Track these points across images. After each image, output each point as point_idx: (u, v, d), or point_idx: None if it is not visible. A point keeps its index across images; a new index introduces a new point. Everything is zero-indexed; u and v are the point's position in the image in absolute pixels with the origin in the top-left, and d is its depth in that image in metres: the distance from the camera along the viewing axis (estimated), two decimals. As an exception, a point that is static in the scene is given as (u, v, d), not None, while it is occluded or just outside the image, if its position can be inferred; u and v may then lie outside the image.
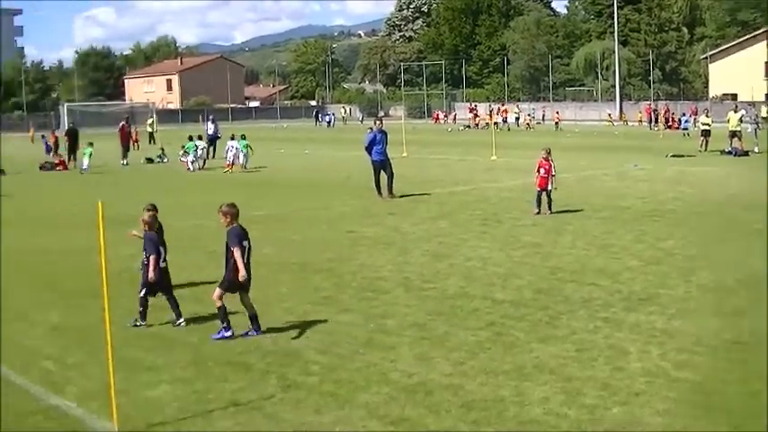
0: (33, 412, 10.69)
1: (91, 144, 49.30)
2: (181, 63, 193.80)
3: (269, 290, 16.92)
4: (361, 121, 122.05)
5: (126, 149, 55.16)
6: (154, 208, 15.74)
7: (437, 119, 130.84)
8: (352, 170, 41.95)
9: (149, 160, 54.28)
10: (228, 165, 44.38)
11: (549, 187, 25.94)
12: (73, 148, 53.00)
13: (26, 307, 16.26)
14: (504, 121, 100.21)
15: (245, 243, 13.82)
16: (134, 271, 16.50)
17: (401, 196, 31.24)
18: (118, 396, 10.10)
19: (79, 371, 12.27)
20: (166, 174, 46.11)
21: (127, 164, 53.04)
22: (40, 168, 51.47)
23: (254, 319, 14.06)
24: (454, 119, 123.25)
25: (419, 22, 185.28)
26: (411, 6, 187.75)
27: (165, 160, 54.59)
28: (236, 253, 13.54)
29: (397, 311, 15.03)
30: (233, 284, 13.74)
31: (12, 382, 11.89)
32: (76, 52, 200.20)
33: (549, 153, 26.26)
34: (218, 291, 13.73)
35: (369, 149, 32.17)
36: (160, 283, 14.70)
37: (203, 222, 25.90)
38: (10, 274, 19.45)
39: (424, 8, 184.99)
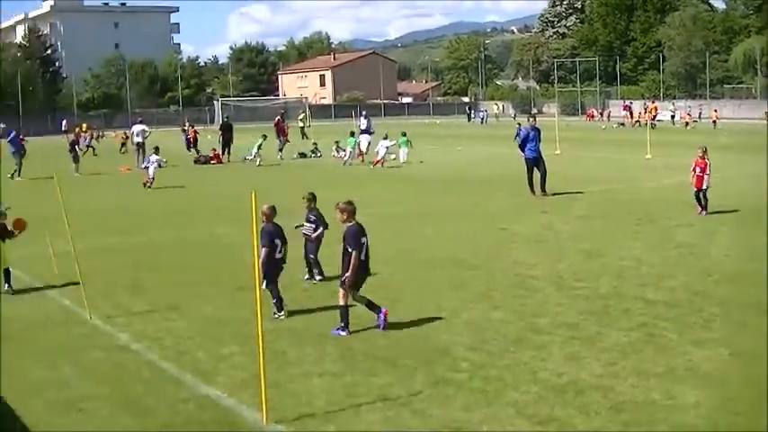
0: (185, 400, 10.98)
1: (264, 137, 50.74)
2: (334, 59, 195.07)
3: (420, 286, 17.06)
4: (514, 118, 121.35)
5: (282, 144, 55.85)
6: (313, 197, 16.11)
7: (591, 116, 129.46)
8: (505, 167, 41.90)
9: (302, 155, 54.84)
10: (378, 161, 44.45)
11: (705, 186, 25.49)
12: (227, 142, 53.87)
13: (180, 298, 16.62)
14: (653, 119, 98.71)
15: (364, 240, 14.05)
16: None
17: (554, 194, 31.04)
18: (268, 388, 10.29)
19: (230, 362, 12.53)
20: (320, 167, 46.50)
21: (282, 158, 53.73)
22: (195, 162, 52.48)
23: (371, 305, 14.32)
24: (608, 116, 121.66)
25: (573, 18, 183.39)
26: (565, 2, 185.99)
27: (319, 155, 55.08)
28: (354, 255, 13.74)
29: (548, 310, 14.99)
30: (355, 283, 13.94)
31: (165, 371, 12.22)
32: (231, 48, 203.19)
33: (705, 152, 25.80)
34: (341, 291, 13.90)
35: (522, 147, 32.07)
36: (278, 272, 15.34)
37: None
38: (165, 263, 19.94)
39: (578, 4, 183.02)
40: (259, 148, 49.90)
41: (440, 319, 14.57)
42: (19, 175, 44.61)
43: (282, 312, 15.13)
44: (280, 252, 15.33)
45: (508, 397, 10.77)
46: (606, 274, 17.75)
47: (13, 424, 10.45)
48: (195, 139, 58.93)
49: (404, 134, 47.95)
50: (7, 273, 17.73)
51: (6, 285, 17.57)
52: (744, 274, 17.60)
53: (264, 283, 14.92)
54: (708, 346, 12.65)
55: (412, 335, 13.61)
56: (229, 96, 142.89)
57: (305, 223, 17.71)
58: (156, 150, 40.13)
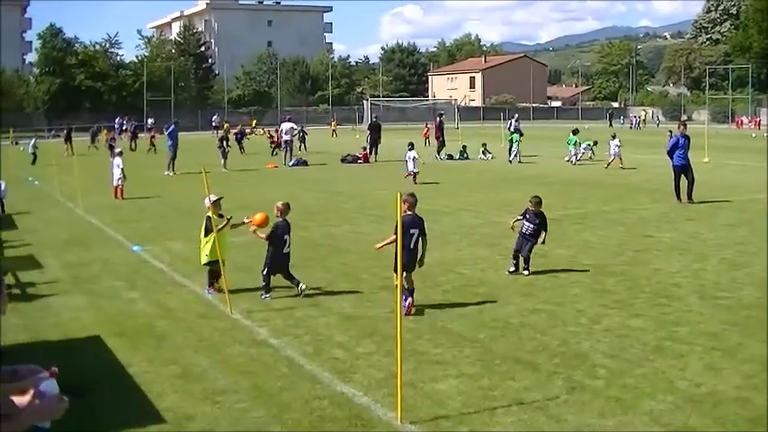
0: (320, 397, 11.13)
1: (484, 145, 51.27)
2: (485, 61, 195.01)
3: (562, 291, 17.05)
4: (657, 126, 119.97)
5: (441, 145, 56.09)
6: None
7: (740, 124, 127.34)
8: (653, 173, 41.53)
9: (450, 156, 54.99)
10: (409, 174, 41.55)
11: None
12: (375, 142, 54.32)
13: (321, 295, 16.87)
14: None
15: (413, 231, 15.48)
16: (427, 266, 16.82)
17: (700, 202, 30.64)
18: (403, 387, 10.42)
19: (367, 360, 12.66)
20: (464, 170, 46.56)
21: (450, 157, 54.01)
22: (342, 161, 53.02)
23: (411, 293, 15.24)
24: (758, 124, 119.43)
25: (727, 24, 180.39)
26: (719, 8, 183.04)
27: (465, 156, 55.21)
28: (390, 238, 15.45)
29: (689, 319, 14.84)
30: (406, 265, 14.66)
31: (302, 367, 12.40)
32: (382, 48, 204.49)
33: None
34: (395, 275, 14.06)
35: (671, 153, 31.76)
36: (283, 267, 16.74)
37: (496, 220, 26.22)
38: (309, 261, 20.25)
39: (733, 10, 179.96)
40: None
41: (580, 324, 14.55)
42: (172, 170, 45.48)
43: (269, 295, 16.59)
44: (288, 247, 16.75)
45: (644, 406, 10.71)
46: (750, 285, 17.47)
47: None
48: (278, 142, 59.89)
49: (575, 131, 51.08)
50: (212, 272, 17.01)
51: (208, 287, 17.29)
52: None
53: (265, 271, 16.64)
54: None
55: (551, 339, 13.61)
56: (379, 96, 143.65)
57: (526, 222, 18.89)
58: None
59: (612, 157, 46.87)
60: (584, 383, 11.53)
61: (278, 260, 16.53)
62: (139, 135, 73.57)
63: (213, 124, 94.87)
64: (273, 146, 57.35)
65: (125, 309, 16.10)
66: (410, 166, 40.17)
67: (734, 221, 26.31)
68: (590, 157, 51.65)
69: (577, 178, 40.88)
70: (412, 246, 15.43)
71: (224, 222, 16.98)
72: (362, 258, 20.54)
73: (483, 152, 54.17)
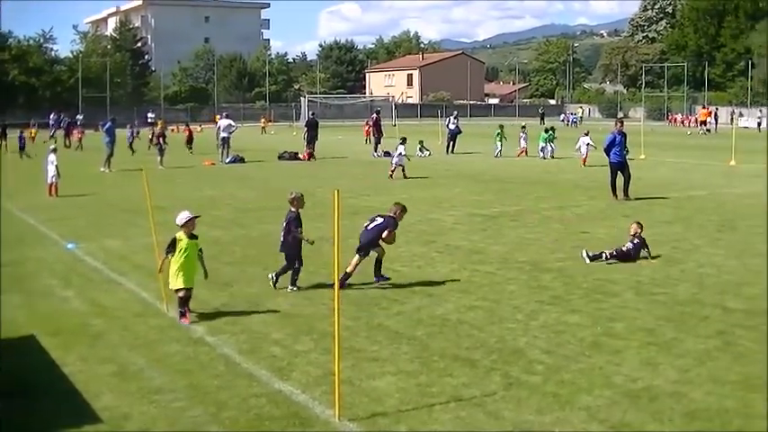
0: (258, 395, 11.06)
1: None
2: (422, 58, 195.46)
3: (499, 287, 17.11)
4: (579, 122, 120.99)
5: (378, 141, 56.18)
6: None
7: (675, 121, 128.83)
8: (590, 170, 41.85)
9: (387, 153, 55.03)
10: (394, 170, 40.98)
11: None
12: (312, 139, 54.18)
13: (259, 293, 16.80)
14: (703, 123, 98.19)
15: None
16: (362, 263, 16.82)
17: (636, 199, 30.87)
18: (341, 385, 10.39)
19: (305, 358, 12.58)
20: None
21: (387, 154, 54.12)
22: (279, 158, 52.91)
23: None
24: (695, 122, 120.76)
25: (663, 22, 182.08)
26: (656, 7, 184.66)
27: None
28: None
29: (625, 315, 14.93)
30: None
31: (239, 365, 12.33)
32: (320, 46, 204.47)
33: None
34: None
35: (607, 151, 31.98)
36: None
37: (436, 216, 26.30)
38: (246, 259, 20.16)
39: (669, 9, 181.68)
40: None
41: (517, 320, 14.59)
42: (108, 167, 45.11)
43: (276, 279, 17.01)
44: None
45: (581, 401, 10.76)
46: (685, 281, 17.64)
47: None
48: (191, 138, 59.58)
49: (552, 129, 52.82)
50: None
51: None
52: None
53: (290, 263, 16.86)
54: (786, 356, 12.53)
55: (488, 336, 13.62)
56: (316, 93, 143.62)
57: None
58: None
59: (584, 155, 47.20)
60: (522, 379, 11.54)
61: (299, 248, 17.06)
62: (74, 132, 72.87)
63: (149, 121, 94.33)
64: (157, 142, 54.42)
65: (60, 307, 15.91)
66: (395, 160, 40.68)
67: (669, 218, 26.53)
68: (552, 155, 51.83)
69: (514, 176, 41.05)
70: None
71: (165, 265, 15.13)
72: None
73: (420, 149, 54.28)
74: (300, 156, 53.04)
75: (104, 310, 15.68)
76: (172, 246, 14.77)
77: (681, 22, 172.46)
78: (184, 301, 14.75)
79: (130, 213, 26.18)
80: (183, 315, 14.69)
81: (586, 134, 48.23)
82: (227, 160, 50.60)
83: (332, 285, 12.05)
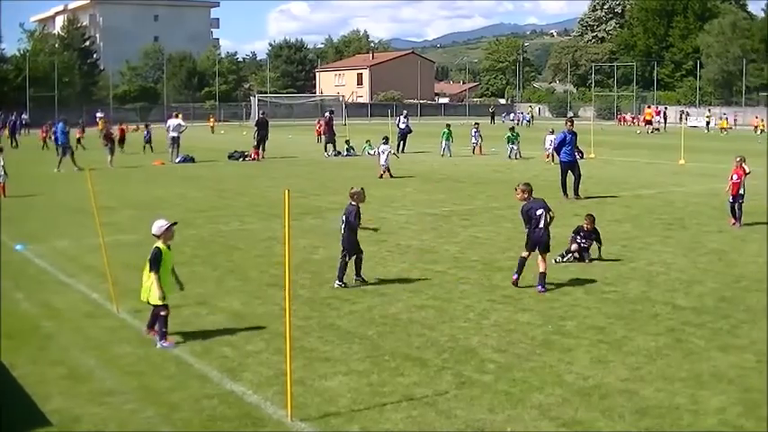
0: (210, 396, 11.01)
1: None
2: (372, 58, 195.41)
3: (450, 286, 17.14)
4: (531, 122, 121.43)
5: (330, 141, 56.17)
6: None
7: (623, 120, 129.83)
8: (540, 169, 42.00)
9: (337, 153, 55.03)
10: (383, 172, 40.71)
11: (741, 193, 25.09)
12: (262, 139, 54.00)
13: (209, 293, 16.74)
14: (648, 123, 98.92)
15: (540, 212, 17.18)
16: (314, 262, 16.82)
17: (586, 197, 31.04)
18: (293, 385, 10.37)
19: (257, 358, 12.55)
20: (352, 166, 46.56)
21: (338, 153, 54.06)
22: (229, 157, 52.73)
23: (542, 277, 16.75)
24: (642, 121, 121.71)
25: (612, 22, 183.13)
26: (605, 7, 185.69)
27: (352, 152, 55.37)
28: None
29: (576, 313, 15.02)
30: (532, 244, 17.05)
31: (191, 366, 12.27)
32: (270, 45, 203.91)
33: (742, 161, 25.53)
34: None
35: (558, 150, 32.13)
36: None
37: (387, 216, 26.32)
38: (197, 259, 20.08)
39: (618, 9, 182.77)
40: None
41: (468, 319, 14.63)
42: (59, 168, 44.83)
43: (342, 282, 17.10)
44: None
45: (533, 399, 10.81)
46: (635, 279, 17.77)
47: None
48: (123, 137, 59.36)
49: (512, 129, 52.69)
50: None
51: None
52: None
53: (347, 256, 17.29)
54: (734, 353, 12.68)
55: (440, 335, 13.65)
56: (266, 93, 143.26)
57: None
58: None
59: (548, 152, 47.26)
60: (474, 378, 11.57)
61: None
62: (21, 131, 72.26)
63: (97, 121, 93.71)
64: (106, 142, 52.61)
65: (9, 309, 15.73)
66: (382, 160, 40.39)
67: (619, 217, 26.68)
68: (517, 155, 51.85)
69: (465, 175, 41.13)
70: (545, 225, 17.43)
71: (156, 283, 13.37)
72: (251, 256, 20.42)
73: (368, 149, 54.31)
74: (248, 155, 52.79)
75: (55, 312, 15.55)
76: (157, 260, 13.36)
77: (630, 21, 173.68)
78: (165, 320, 13.32)
79: (80, 214, 25.93)
80: (164, 336, 13.30)
81: (551, 132, 48.47)
82: (177, 160, 50.37)
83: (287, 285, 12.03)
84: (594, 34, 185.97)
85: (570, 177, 31.40)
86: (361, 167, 41.14)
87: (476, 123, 57.83)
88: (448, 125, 55.62)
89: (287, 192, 10.02)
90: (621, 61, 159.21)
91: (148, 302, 13.49)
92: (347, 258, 17.37)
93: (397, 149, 52.86)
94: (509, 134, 51.57)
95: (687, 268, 18.92)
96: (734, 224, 24.95)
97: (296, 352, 11.51)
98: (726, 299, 16.09)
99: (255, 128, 56.02)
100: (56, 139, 47.75)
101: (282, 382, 10.58)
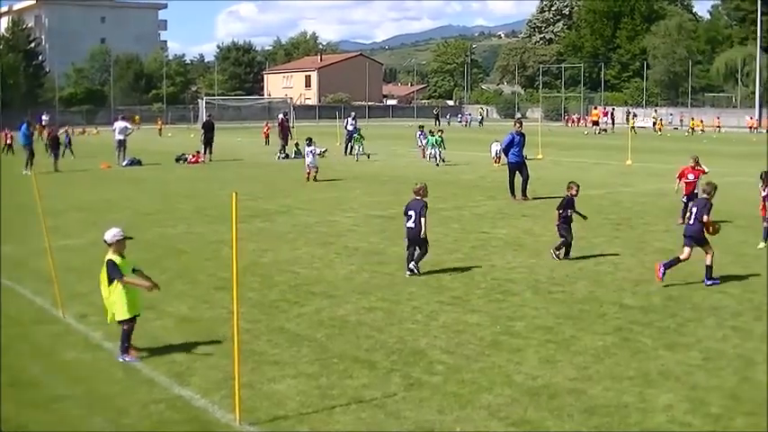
0: (157, 401, 10.92)
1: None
2: (321, 60, 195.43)
3: (399, 288, 17.12)
4: (480, 124, 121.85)
5: (285, 143, 56.06)
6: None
7: (571, 121, 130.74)
8: (488, 171, 42.12)
9: (286, 156, 54.91)
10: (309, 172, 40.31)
11: (696, 191, 25.21)
12: (209, 142, 53.78)
13: (157, 297, 16.58)
14: (595, 123, 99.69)
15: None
16: (262, 266, 16.75)
17: (534, 198, 31.16)
18: (242, 389, 10.33)
19: (205, 362, 12.47)
20: (300, 168, 46.44)
21: (286, 156, 53.90)
22: (177, 160, 52.46)
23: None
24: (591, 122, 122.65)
25: (560, 24, 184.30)
26: (553, 8, 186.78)
27: (300, 155, 55.30)
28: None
29: (525, 314, 15.06)
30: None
31: (138, 371, 12.17)
32: (218, 47, 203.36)
33: (697, 161, 25.66)
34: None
35: (506, 151, 32.24)
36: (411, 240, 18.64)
37: (335, 218, 26.30)
38: (144, 262, 19.94)
39: (566, 10, 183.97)
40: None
41: (417, 321, 14.61)
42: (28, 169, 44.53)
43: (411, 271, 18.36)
44: (413, 223, 18.40)
45: (482, 400, 10.81)
46: (583, 279, 17.87)
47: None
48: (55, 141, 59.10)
49: (437, 132, 50.97)
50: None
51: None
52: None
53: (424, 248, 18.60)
54: (681, 351, 12.79)
55: (388, 337, 13.62)
56: (214, 95, 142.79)
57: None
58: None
59: (495, 156, 47.24)
60: (422, 380, 11.56)
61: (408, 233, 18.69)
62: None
63: (42, 123, 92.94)
64: (50, 146, 51.48)
65: (-47, 315, 15.58)
66: (308, 160, 40.02)
67: (567, 217, 26.77)
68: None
69: (413, 176, 41.05)
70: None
71: (136, 279, 13.16)
72: (199, 259, 20.28)
73: (320, 152, 54.12)
74: (192, 157, 52.47)
75: (-1, 318, 15.38)
76: (115, 271, 12.80)
77: (578, 23, 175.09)
78: (129, 334, 12.79)
79: (26, 217, 25.70)
80: (127, 350, 12.77)
81: (497, 141, 48.23)
82: (124, 163, 50.07)
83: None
84: (542, 36, 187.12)
85: (518, 178, 31.51)
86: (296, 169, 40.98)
87: (420, 126, 57.65)
88: (440, 131, 53.77)
89: (234, 195, 9.96)
90: (569, 62, 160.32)
91: (117, 322, 12.87)
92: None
93: (345, 151, 52.79)
94: (435, 137, 50.35)
95: (634, 267, 19.06)
96: (682, 223, 25.07)
97: (244, 355, 11.46)
98: (673, 297, 16.22)
99: (202, 130, 55.83)
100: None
101: (231, 386, 10.50)
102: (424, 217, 18.30)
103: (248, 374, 11.45)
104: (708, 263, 17.45)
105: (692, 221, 17.56)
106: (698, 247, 17.42)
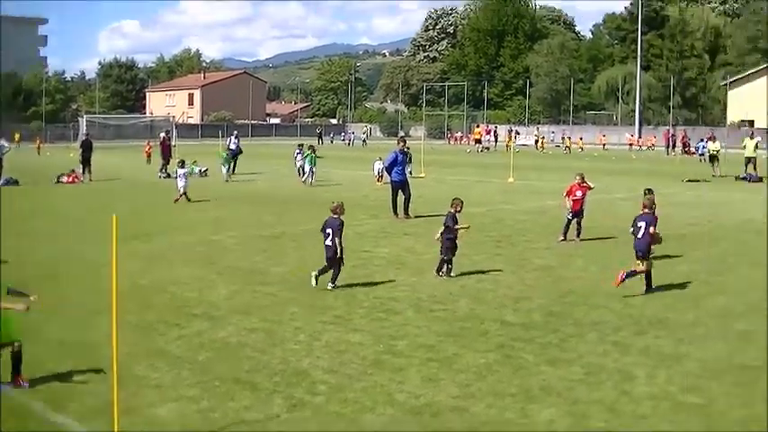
0: (33, 430, 10.70)
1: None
2: (204, 77, 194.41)
3: (281, 308, 17.01)
4: (364, 142, 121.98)
5: (166, 162, 55.49)
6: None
7: (454, 139, 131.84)
8: (370, 189, 42.18)
9: (168, 175, 54.40)
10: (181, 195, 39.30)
11: (581, 209, 25.52)
12: (86, 161, 52.90)
13: (35, 321, 16.25)
14: (478, 141, 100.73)
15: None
16: (141, 288, 16.54)
17: (417, 216, 31.24)
18: (122, 414, 10.10)
19: (83, 388, 12.17)
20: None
21: (168, 176, 53.36)
22: (57, 181, 51.53)
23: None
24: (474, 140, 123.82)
25: (444, 42, 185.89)
26: (437, 27, 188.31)
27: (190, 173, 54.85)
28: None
29: (407, 332, 15.06)
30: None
31: (12, 399, 11.81)
32: (100, 64, 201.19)
33: (583, 178, 25.93)
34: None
35: (389, 169, 32.27)
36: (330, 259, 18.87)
37: (215, 238, 26.11)
38: (19, 286, 19.53)
39: (450, 29, 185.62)
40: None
41: (299, 341, 14.51)
42: None
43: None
44: (331, 241, 18.81)
45: (365, 419, 10.79)
46: (465, 297, 17.93)
47: None
48: None
49: (312, 148, 50.11)
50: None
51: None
52: (597, 295, 18.15)
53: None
54: (562, 366, 12.95)
55: (271, 358, 13.51)
56: (95, 113, 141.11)
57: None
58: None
59: (378, 174, 47.46)
60: (305, 400, 11.50)
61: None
62: None
63: None
64: None
65: None
66: (179, 183, 39.17)
67: (449, 235, 26.87)
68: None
69: (294, 196, 41.07)
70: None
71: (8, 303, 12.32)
72: (77, 282, 19.90)
73: (199, 171, 53.69)
74: (68, 177, 51.51)
75: None
76: None
77: (462, 42, 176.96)
78: (17, 360, 12.22)
79: None
80: (16, 379, 12.20)
81: (380, 159, 48.27)
82: (0, 183, 49.07)
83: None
84: (426, 54, 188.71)
85: (401, 197, 31.57)
86: (190, 188, 40.64)
87: (299, 144, 56.88)
88: (312, 147, 53.42)
89: (115, 217, 9.79)
90: (453, 81, 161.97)
91: None
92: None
93: (228, 170, 52.42)
94: (310, 154, 48.77)
95: (515, 284, 19.22)
96: (561, 240, 25.36)
97: (124, 380, 11.24)
98: (554, 314, 16.39)
99: (80, 149, 54.98)
100: None
101: (110, 412, 10.29)
102: (338, 237, 18.74)
103: (128, 399, 11.21)
104: (646, 273, 18.39)
105: (640, 236, 18.30)
106: (642, 258, 18.25)
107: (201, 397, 11.71)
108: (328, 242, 18.81)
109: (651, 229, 18.21)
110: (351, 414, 10.98)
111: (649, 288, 18.38)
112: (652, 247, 18.53)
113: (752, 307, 17.12)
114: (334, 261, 18.80)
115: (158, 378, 12.61)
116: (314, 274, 18.96)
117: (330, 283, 18.75)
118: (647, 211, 18.76)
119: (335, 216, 19.11)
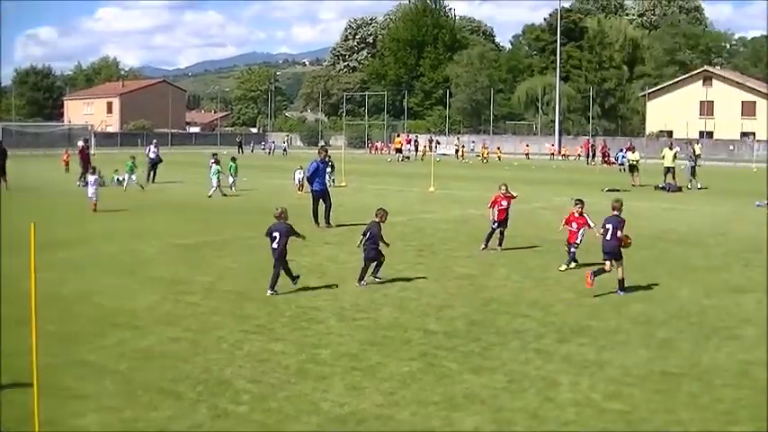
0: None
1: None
2: (122, 86, 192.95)
3: (203, 318, 16.91)
4: (285, 152, 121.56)
5: (85, 170, 54.86)
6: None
7: (375, 149, 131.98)
8: (293, 199, 42.09)
9: (86, 183, 53.80)
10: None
11: (505, 219, 25.69)
12: (2, 168, 52.04)
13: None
14: (398, 150, 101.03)
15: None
16: (61, 297, 16.37)
17: (338, 225, 31.25)
18: (43, 425, 9.98)
19: (3, 398, 12.00)
20: (102, 196, 45.67)
21: (86, 184, 52.71)
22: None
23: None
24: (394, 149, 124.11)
25: (364, 52, 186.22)
26: (357, 37, 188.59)
27: (101, 183, 54.24)
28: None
29: (330, 341, 15.04)
30: None
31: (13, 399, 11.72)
32: (16, 71, 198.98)
33: (507, 188, 26.04)
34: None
35: (310, 179, 32.25)
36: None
37: (137, 247, 25.91)
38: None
39: (370, 39, 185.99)
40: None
41: (222, 350, 14.45)
42: None
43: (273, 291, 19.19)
44: (277, 243, 19.37)
45: (288, 429, 10.75)
46: (388, 305, 17.96)
47: None
48: None
49: (233, 159, 50.59)
50: None
51: None
52: (519, 303, 18.24)
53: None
54: (485, 374, 13.00)
55: (194, 367, 13.43)
56: (11, 121, 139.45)
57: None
58: None
59: (298, 183, 47.54)
60: (229, 410, 11.44)
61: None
62: None
63: None
64: None
65: None
66: (90, 192, 38.74)
67: (371, 244, 26.92)
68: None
69: (216, 205, 40.89)
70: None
71: None
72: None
73: (117, 179, 53.16)
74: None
75: None
76: None
77: (382, 51, 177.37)
78: None
79: None
80: None
81: (300, 168, 48.21)
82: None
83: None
84: (346, 63, 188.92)
85: (321, 206, 31.59)
86: (112, 196, 40.39)
87: (214, 154, 55.72)
88: (133, 157, 52.28)
89: (32, 225, 9.69)
90: (373, 90, 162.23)
91: None
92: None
93: (147, 179, 52.07)
94: (232, 163, 49.43)
95: (438, 293, 19.29)
96: (483, 249, 25.52)
97: (46, 390, 11.10)
98: (476, 322, 16.47)
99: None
100: None
101: (31, 424, 10.18)
102: (286, 238, 19.49)
103: (50, 410, 11.06)
104: (620, 276, 19.16)
105: (608, 238, 19.04)
106: (613, 260, 19.04)
107: (125, 407, 11.59)
108: (275, 245, 19.32)
109: (619, 233, 19.01)
110: (275, 423, 10.93)
111: (622, 289, 19.23)
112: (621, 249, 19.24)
113: (672, 315, 17.38)
114: (281, 261, 19.41)
115: (80, 388, 12.44)
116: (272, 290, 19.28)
117: (269, 290, 19.09)
118: (615, 213, 19.55)
119: (281, 221, 19.73)
